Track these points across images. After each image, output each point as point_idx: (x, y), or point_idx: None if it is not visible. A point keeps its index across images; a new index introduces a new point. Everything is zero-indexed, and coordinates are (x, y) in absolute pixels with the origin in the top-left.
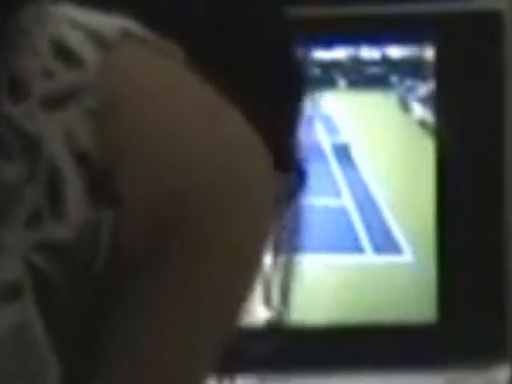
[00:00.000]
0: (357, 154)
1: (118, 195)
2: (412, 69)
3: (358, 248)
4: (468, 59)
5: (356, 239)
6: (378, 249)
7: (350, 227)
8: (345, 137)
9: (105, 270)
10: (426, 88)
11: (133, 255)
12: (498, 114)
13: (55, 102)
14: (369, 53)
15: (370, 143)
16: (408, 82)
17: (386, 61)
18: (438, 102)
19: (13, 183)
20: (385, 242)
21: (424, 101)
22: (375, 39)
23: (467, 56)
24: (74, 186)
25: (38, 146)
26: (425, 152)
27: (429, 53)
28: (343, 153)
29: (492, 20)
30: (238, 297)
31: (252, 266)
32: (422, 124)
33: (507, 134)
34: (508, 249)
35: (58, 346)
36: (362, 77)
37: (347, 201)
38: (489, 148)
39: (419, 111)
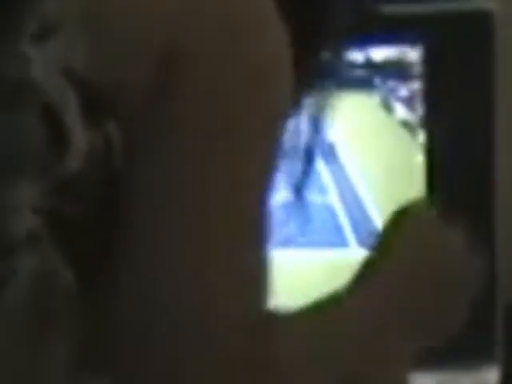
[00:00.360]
0: (342, 152)
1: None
2: (395, 70)
3: (343, 243)
4: (457, 60)
5: (341, 234)
6: (363, 243)
7: (335, 223)
8: (330, 136)
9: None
10: (407, 89)
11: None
12: (487, 115)
13: (44, 35)
14: (355, 54)
15: (354, 142)
16: (390, 83)
17: (370, 62)
18: (427, 103)
19: (21, 145)
20: (369, 237)
21: (406, 101)
22: (363, 40)
23: (456, 57)
24: (72, 116)
25: (34, 89)
26: (407, 150)
27: (412, 54)
28: (329, 152)
29: (482, 20)
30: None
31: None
32: (405, 124)
33: (497, 134)
34: (498, 248)
35: (77, 264)
36: (346, 78)
37: (333, 198)
38: (478, 148)
39: (401, 112)
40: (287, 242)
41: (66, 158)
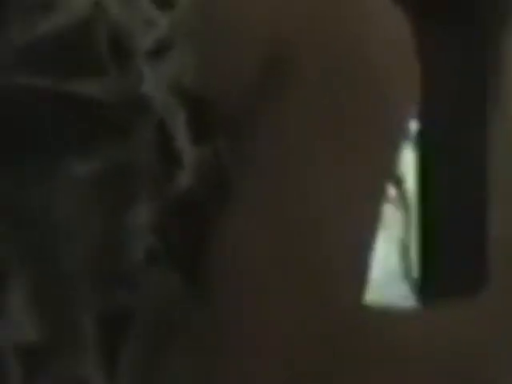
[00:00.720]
0: None
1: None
2: None
3: None
4: (454, 57)
5: None
6: None
7: None
8: None
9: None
10: None
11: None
12: (482, 113)
13: (159, 52)
14: None
15: None
16: None
17: None
18: (422, 99)
19: (137, 165)
20: None
21: None
22: None
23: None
24: (182, 133)
25: (149, 107)
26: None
27: None
28: None
29: None
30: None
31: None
32: None
33: (492, 131)
34: (490, 243)
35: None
36: None
37: None
38: (473, 143)
39: None
40: None
41: (177, 176)
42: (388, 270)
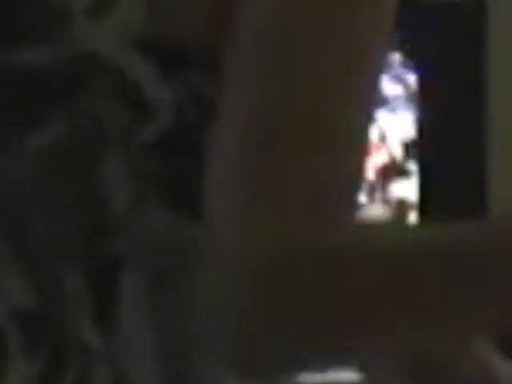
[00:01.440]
0: None
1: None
2: None
3: None
4: (450, 50)
5: None
6: None
7: None
8: None
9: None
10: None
11: None
12: (479, 104)
13: (99, 8)
14: None
15: None
16: None
17: None
18: (419, 92)
19: (101, 119)
20: None
21: None
22: None
23: (450, 47)
24: (148, 80)
25: (99, 61)
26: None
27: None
28: None
29: (475, 11)
30: None
31: None
32: None
33: (489, 123)
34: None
35: None
36: None
37: None
38: (469, 134)
39: None
40: None
41: (151, 118)
42: None
